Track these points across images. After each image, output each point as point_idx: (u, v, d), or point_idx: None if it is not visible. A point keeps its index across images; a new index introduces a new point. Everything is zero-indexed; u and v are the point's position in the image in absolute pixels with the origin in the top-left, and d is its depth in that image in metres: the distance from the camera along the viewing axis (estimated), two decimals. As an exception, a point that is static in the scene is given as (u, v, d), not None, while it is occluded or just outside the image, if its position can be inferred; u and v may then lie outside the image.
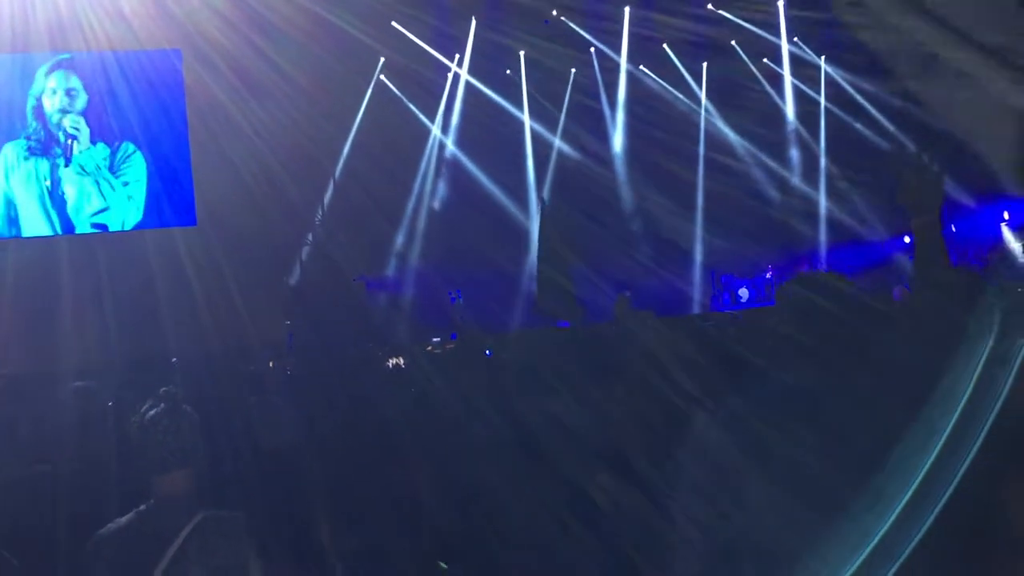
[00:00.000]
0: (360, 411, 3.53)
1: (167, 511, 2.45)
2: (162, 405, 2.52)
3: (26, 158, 13.45)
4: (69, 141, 13.59)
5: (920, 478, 1.87)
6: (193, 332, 10.64)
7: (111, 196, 13.75)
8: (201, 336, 10.43)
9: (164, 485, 2.47)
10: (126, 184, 13.80)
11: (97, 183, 13.69)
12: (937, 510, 1.82)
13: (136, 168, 13.84)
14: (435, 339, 8.38)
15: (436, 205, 16.15)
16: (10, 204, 13.37)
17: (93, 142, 13.74)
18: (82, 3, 12.81)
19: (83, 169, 13.64)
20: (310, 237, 15.47)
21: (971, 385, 1.95)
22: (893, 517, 1.86)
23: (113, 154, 13.77)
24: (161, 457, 2.47)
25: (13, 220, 13.37)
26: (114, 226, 13.68)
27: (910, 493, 1.86)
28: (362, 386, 4.10)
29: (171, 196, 13.79)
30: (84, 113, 13.69)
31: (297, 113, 13.66)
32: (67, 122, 13.61)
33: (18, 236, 13.31)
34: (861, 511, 1.97)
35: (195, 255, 12.71)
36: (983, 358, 1.98)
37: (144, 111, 13.65)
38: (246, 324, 11.36)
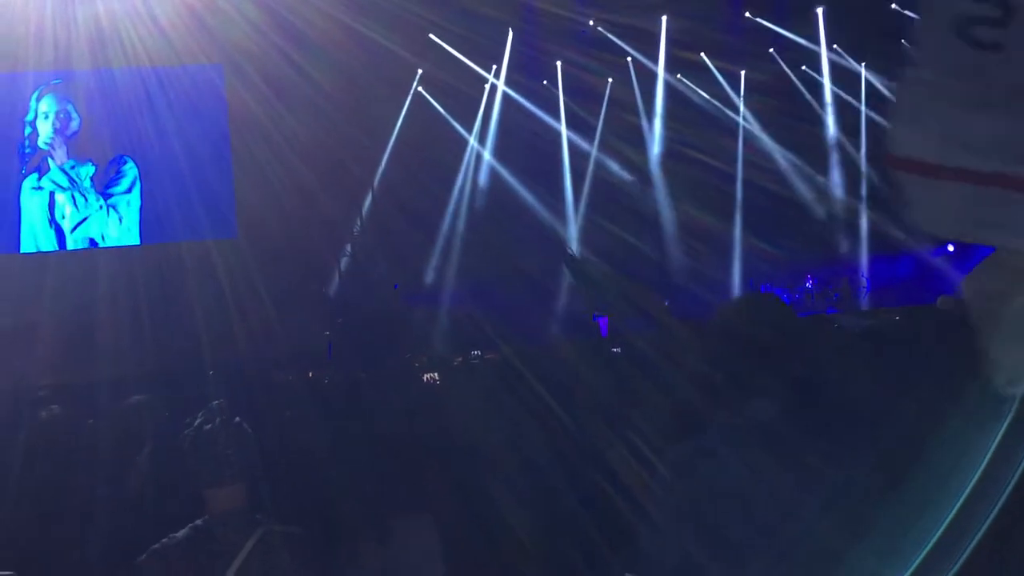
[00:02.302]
0: (400, 423, 3.52)
1: (224, 525, 2.45)
2: (218, 419, 2.52)
3: (34, 188, 13.72)
4: (58, 161, 13.83)
5: (967, 492, 1.81)
6: (229, 343, 10.73)
7: (126, 216, 13.94)
8: (238, 347, 10.52)
9: (219, 499, 2.47)
10: (124, 200, 13.96)
11: (100, 205, 13.89)
12: (986, 525, 1.76)
13: (130, 182, 14.00)
14: (475, 352, 8.36)
15: (473, 217, 16.18)
16: (33, 231, 13.67)
17: (87, 160, 13.90)
18: (122, 18, 13.01)
19: (76, 189, 13.82)
20: (348, 248, 15.57)
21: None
22: (940, 530, 1.80)
23: (112, 171, 13.92)
24: (218, 471, 2.47)
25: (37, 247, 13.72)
26: (101, 242, 13.89)
27: (957, 506, 1.81)
28: (401, 399, 4.10)
29: (209, 209, 13.91)
30: (76, 134, 13.87)
31: (334, 126, 13.77)
32: (55, 143, 13.81)
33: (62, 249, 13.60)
34: (888, 532, 1.93)
35: (232, 267, 12.82)
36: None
37: (182, 126, 13.81)
38: (283, 334, 11.44)
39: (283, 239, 13.38)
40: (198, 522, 2.49)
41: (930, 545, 1.79)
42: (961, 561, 1.74)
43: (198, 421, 2.54)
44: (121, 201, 13.95)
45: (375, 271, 14.43)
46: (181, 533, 2.48)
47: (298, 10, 13.10)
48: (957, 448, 1.90)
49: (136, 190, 13.99)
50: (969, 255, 15.45)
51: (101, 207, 13.86)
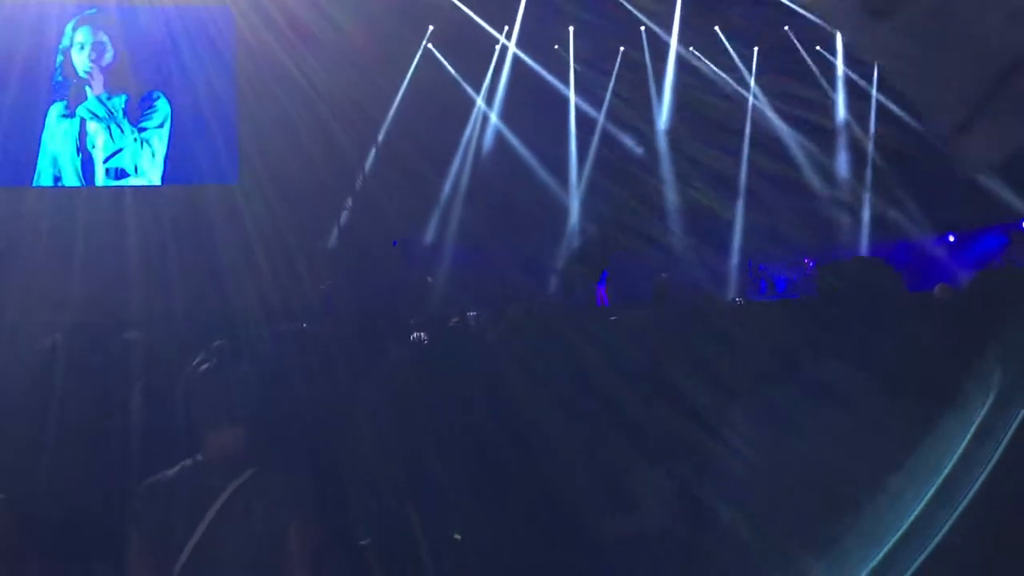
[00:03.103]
0: (401, 376, 3.54)
1: (215, 467, 2.46)
2: (214, 360, 2.52)
3: (62, 115, 13.74)
4: (95, 91, 13.83)
5: (945, 474, 1.85)
6: (231, 289, 10.75)
7: (157, 151, 13.97)
8: (240, 294, 10.54)
9: (216, 441, 2.48)
10: (156, 135, 14.01)
11: (134, 138, 13.91)
12: (965, 504, 1.79)
13: (162, 118, 14.02)
14: (471, 312, 8.35)
15: (476, 177, 16.13)
16: (54, 161, 13.68)
17: (122, 93, 13.94)
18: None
19: (113, 120, 13.85)
20: (349, 202, 15.54)
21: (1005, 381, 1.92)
22: (919, 507, 1.84)
23: (146, 106, 13.96)
24: (211, 413, 2.48)
25: (56, 177, 13.72)
26: (133, 174, 13.92)
27: (937, 486, 1.84)
28: (391, 355, 4.11)
29: (214, 152, 13.94)
30: (111, 66, 13.89)
31: (352, 68, 13.68)
32: (93, 73, 13.83)
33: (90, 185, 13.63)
34: (885, 502, 1.96)
35: (235, 212, 12.82)
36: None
37: (188, 66, 13.77)
38: (284, 284, 11.45)
39: (286, 186, 13.36)
40: (188, 461, 2.50)
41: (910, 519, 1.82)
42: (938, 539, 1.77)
43: (198, 360, 2.55)
44: (154, 136, 14.04)
45: (373, 224, 14.42)
46: (172, 471, 2.49)
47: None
48: (942, 434, 1.94)
49: (167, 126, 14.08)
50: (968, 245, 15.48)
51: (135, 139, 13.94)
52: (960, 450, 1.84)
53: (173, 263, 11.67)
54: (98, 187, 13.64)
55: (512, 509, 3.07)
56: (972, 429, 1.86)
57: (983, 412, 1.87)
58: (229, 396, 2.49)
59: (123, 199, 13.04)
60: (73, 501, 2.97)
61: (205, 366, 2.52)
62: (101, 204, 13.04)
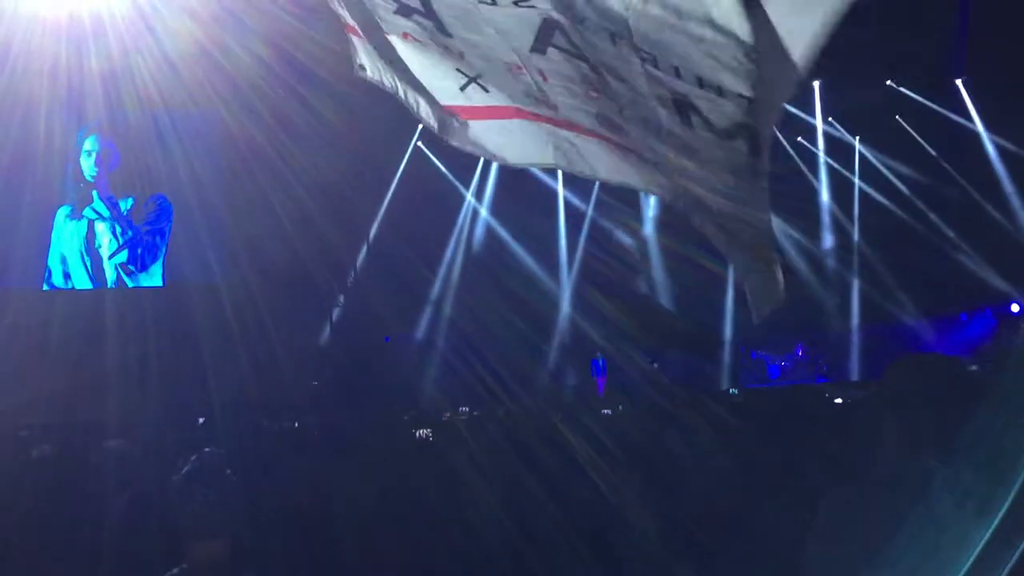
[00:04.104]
0: (393, 477, 3.49)
1: (199, 576, 2.41)
2: (201, 470, 2.48)
3: (69, 217, 14.11)
4: (102, 194, 14.19)
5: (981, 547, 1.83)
6: (221, 388, 10.66)
7: (157, 251, 14.21)
8: (230, 391, 10.44)
9: (197, 551, 2.43)
10: (158, 235, 14.23)
11: (142, 237, 14.15)
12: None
13: (165, 219, 14.29)
14: (463, 408, 8.31)
15: (468, 271, 16.22)
16: (64, 260, 14.10)
17: (127, 196, 14.23)
18: (135, 59, 13.13)
19: (118, 222, 14.13)
20: (341, 299, 15.58)
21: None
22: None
23: (149, 208, 14.25)
24: (201, 523, 2.43)
25: (67, 275, 14.08)
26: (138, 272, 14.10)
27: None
28: (391, 454, 4.07)
29: (206, 251, 14.13)
30: (115, 170, 14.30)
31: (338, 167, 13.84)
32: (100, 180, 14.22)
33: (71, 288, 13.80)
34: None
35: (231, 307, 12.81)
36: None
37: (182, 167, 14.05)
38: (275, 380, 11.36)
39: (284, 278, 13.40)
40: (175, 571, 2.44)
41: None
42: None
43: (186, 469, 2.51)
44: (156, 236, 14.41)
45: (366, 321, 14.42)
46: (157, 582, 2.44)
47: (305, 48, 13.26)
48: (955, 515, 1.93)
49: (167, 229, 14.46)
50: (960, 330, 15.55)
51: (137, 238, 14.30)
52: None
53: (157, 364, 11.59)
54: (78, 290, 13.89)
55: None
56: None
57: None
58: (213, 508, 2.44)
59: (104, 301, 13.09)
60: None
61: (190, 473, 2.48)
62: (83, 306, 13.09)
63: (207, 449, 2.57)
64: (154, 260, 14.25)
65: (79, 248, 14.10)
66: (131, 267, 14.18)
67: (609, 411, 7.96)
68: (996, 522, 1.79)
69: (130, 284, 14.12)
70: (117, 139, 14.34)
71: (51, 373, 10.91)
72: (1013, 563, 1.74)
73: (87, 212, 14.25)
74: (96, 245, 14.17)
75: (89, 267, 14.05)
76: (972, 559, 1.79)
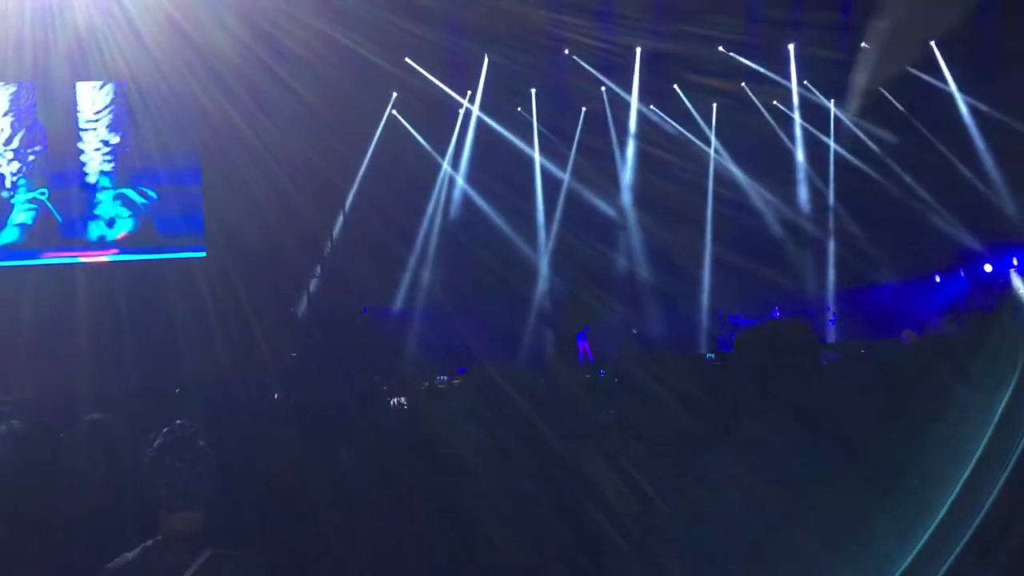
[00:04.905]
0: (368, 447, 3.49)
1: (174, 549, 2.40)
2: (173, 442, 2.47)
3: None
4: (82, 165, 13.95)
5: (947, 506, 1.85)
6: (202, 360, 10.62)
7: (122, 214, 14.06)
8: (210, 364, 10.41)
9: (172, 523, 2.43)
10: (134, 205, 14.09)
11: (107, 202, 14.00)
12: (965, 539, 1.80)
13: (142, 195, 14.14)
14: (441, 376, 8.34)
15: (445, 239, 16.19)
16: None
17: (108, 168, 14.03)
18: (101, 30, 12.94)
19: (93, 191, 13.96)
20: (318, 269, 15.51)
21: (999, 414, 1.94)
22: (918, 547, 1.84)
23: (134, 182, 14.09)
24: (173, 494, 2.43)
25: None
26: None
27: (936, 522, 1.84)
28: (369, 422, 4.07)
29: (185, 224, 14.03)
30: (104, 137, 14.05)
31: (315, 138, 13.75)
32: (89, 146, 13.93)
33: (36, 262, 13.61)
34: (882, 540, 1.96)
35: (203, 283, 12.73)
36: (1005, 398, 1.99)
37: (160, 139, 13.87)
38: (252, 353, 11.33)
39: (260, 250, 13.31)
40: (148, 543, 2.44)
41: (912, 556, 1.82)
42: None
43: (158, 441, 2.50)
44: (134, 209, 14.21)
45: (343, 292, 14.38)
46: (132, 554, 2.44)
47: (279, 22, 13.11)
48: (929, 472, 1.95)
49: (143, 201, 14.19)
50: (935, 291, 15.71)
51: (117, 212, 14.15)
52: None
53: (131, 338, 11.52)
54: (49, 264, 13.64)
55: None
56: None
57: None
58: (186, 479, 2.44)
59: (75, 275, 12.92)
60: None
61: (163, 448, 2.47)
62: (51, 280, 12.94)
63: (179, 421, 2.56)
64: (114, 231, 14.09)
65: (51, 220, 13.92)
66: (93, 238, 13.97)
67: (589, 375, 8.03)
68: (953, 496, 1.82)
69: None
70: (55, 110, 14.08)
71: (23, 350, 10.84)
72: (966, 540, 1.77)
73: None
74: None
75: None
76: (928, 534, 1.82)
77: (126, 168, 14.09)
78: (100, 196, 14.00)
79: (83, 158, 14.00)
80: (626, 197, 16.77)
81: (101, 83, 13.94)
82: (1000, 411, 1.93)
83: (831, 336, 16.10)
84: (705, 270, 16.76)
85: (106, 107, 14.04)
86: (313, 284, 15.19)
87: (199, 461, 2.47)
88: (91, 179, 14.03)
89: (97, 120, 14.02)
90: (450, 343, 13.81)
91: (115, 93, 14.03)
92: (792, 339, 2.51)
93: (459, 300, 15.21)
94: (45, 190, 13.85)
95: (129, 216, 14.02)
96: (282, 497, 2.97)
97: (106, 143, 14.07)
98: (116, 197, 14.02)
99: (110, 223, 13.96)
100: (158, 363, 10.45)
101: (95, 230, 13.96)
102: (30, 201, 13.83)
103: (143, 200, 14.04)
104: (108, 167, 14.04)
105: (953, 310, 14.31)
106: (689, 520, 2.25)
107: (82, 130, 13.99)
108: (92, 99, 14.02)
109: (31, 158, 13.87)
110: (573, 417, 3.51)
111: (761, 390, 2.37)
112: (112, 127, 14.08)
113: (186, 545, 2.41)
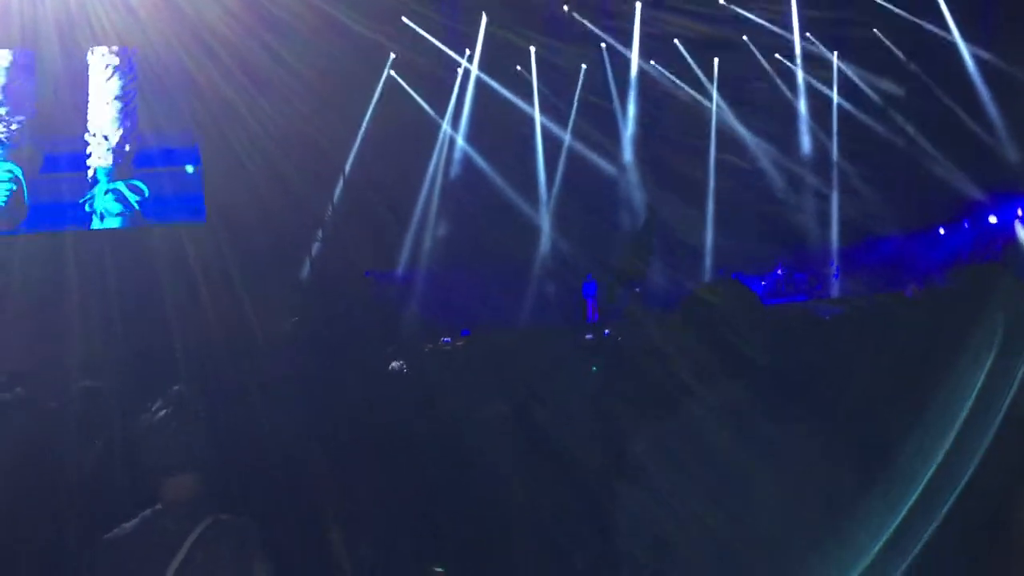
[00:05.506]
0: (367, 412, 3.49)
1: (173, 516, 2.40)
2: (171, 407, 2.47)
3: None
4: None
5: (930, 474, 1.85)
6: (199, 327, 10.62)
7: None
8: (207, 331, 10.41)
9: (171, 489, 2.43)
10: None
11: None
12: (948, 506, 1.79)
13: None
14: (445, 339, 8.31)
15: (446, 201, 16.13)
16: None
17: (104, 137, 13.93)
18: (91, 0, 12.80)
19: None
20: (320, 233, 15.47)
21: (982, 379, 1.94)
22: (903, 513, 1.84)
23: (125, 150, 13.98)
24: (170, 460, 2.43)
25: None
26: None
27: (920, 489, 1.84)
28: (369, 386, 4.06)
29: (180, 194, 13.94)
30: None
31: (306, 109, 13.64)
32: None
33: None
34: (870, 507, 1.95)
35: (202, 252, 12.69)
36: (994, 354, 1.98)
37: (153, 108, 13.76)
38: (253, 319, 11.31)
39: (256, 223, 13.25)
40: (147, 512, 2.44)
41: (894, 526, 1.82)
42: (923, 541, 1.77)
43: (154, 408, 2.49)
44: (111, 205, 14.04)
45: (345, 254, 14.35)
46: (131, 524, 2.44)
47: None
48: (927, 426, 1.94)
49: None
50: (939, 243, 15.65)
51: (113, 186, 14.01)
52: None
53: (123, 305, 11.50)
54: (40, 232, 13.53)
55: (494, 544, 3.03)
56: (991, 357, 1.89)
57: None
58: (184, 443, 2.43)
59: (63, 244, 12.86)
60: (37, 556, 2.89)
61: (161, 413, 2.47)
62: (40, 249, 12.89)
63: (175, 387, 2.55)
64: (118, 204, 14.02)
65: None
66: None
67: (592, 335, 8.01)
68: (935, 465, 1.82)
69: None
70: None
71: (14, 319, 10.84)
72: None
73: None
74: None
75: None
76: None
77: (121, 155, 13.96)
78: (95, 190, 13.87)
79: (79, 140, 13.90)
80: (627, 154, 16.66)
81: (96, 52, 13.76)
82: (987, 369, 1.92)
83: (834, 290, 16.07)
84: (707, 226, 16.69)
85: (112, 73, 13.88)
86: (315, 249, 15.16)
87: (198, 425, 2.46)
88: (88, 170, 13.93)
89: (96, 96, 13.89)
90: (453, 304, 13.81)
91: (113, 65, 13.88)
92: (743, 298, 2.50)
93: (461, 261, 15.19)
94: (18, 168, 13.72)
95: (118, 214, 13.91)
96: (279, 460, 2.98)
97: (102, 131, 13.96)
98: (108, 191, 13.88)
99: (101, 217, 13.90)
100: (157, 329, 10.46)
101: (85, 218, 13.91)
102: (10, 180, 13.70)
103: (136, 196, 13.92)
104: (105, 162, 13.91)
105: (956, 263, 14.26)
106: (672, 478, 2.25)
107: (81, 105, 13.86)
108: (95, 68, 13.87)
109: (14, 127, 13.73)
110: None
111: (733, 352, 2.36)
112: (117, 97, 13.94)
113: (185, 512, 2.41)
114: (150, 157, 13.92)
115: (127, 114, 13.89)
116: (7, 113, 13.68)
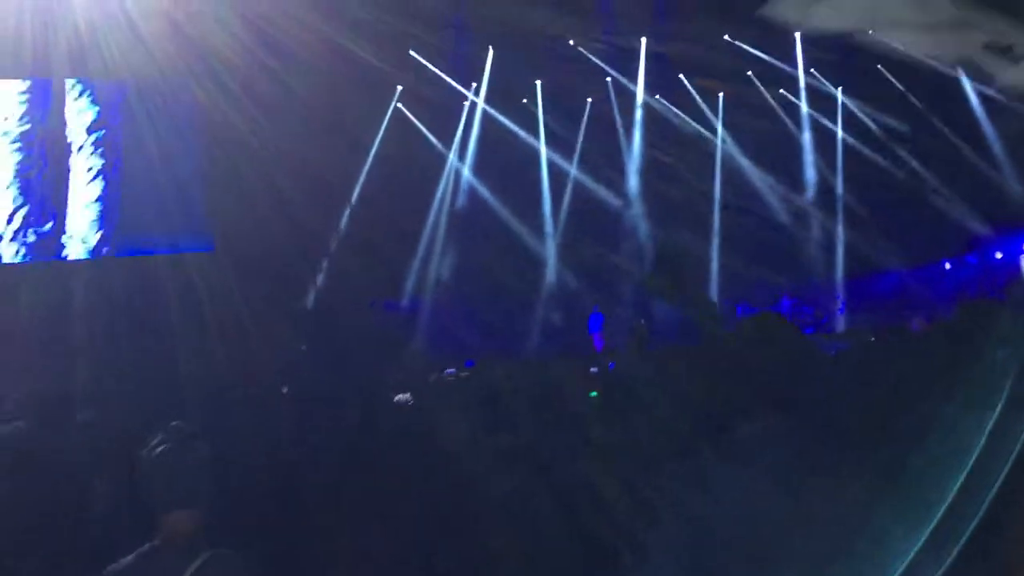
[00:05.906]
0: (370, 445, 3.48)
1: (172, 550, 2.40)
2: (170, 442, 2.47)
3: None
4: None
5: (943, 510, 1.83)
6: (204, 357, 10.60)
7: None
8: (213, 361, 10.39)
9: (169, 524, 2.43)
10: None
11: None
12: (961, 544, 1.78)
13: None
14: (449, 370, 8.29)
15: (452, 232, 16.17)
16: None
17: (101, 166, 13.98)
18: (102, 29, 12.90)
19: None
20: (325, 263, 15.50)
21: (996, 415, 1.93)
22: (919, 545, 1.83)
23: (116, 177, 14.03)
24: (170, 495, 2.42)
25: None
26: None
27: (933, 525, 1.83)
28: (372, 419, 4.05)
29: (186, 222, 13.96)
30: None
31: (313, 139, 13.71)
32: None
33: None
34: (886, 538, 1.94)
35: (207, 280, 12.70)
36: (1006, 392, 1.97)
37: (160, 135, 13.83)
38: (258, 349, 11.30)
39: (261, 251, 13.27)
40: (145, 547, 2.44)
41: (915, 551, 1.81)
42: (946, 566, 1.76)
43: (155, 442, 2.49)
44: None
45: (351, 284, 14.36)
46: (130, 558, 2.43)
47: (278, 22, 13.07)
48: (938, 461, 1.93)
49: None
50: (944, 278, 15.62)
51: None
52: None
53: (124, 336, 11.48)
54: (42, 262, 13.55)
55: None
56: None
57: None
58: (184, 479, 2.43)
59: (67, 273, 12.88)
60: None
61: (161, 448, 2.47)
62: (44, 279, 12.91)
63: (174, 423, 2.55)
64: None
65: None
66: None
67: (596, 368, 7.98)
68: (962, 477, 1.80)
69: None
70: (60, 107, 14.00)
71: (18, 348, 10.82)
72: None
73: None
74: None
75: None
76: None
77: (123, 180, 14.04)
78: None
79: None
80: (632, 186, 16.71)
81: (90, 89, 13.86)
82: (1003, 402, 1.91)
83: (840, 324, 16.02)
84: (712, 259, 16.70)
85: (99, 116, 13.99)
86: (320, 279, 15.18)
87: (198, 461, 2.46)
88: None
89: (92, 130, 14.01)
90: (458, 335, 13.79)
91: (113, 97, 13.98)
92: (779, 333, 2.49)
93: (469, 292, 15.20)
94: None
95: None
96: (280, 497, 2.96)
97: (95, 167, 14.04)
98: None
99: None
100: (159, 361, 10.44)
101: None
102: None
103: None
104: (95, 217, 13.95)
105: (961, 297, 14.22)
106: (687, 524, 2.23)
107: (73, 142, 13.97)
108: (86, 104, 13.98)
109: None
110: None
111: (755, 389, 2.34)
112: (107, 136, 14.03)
113: (184, 547, 2.40)
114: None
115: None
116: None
